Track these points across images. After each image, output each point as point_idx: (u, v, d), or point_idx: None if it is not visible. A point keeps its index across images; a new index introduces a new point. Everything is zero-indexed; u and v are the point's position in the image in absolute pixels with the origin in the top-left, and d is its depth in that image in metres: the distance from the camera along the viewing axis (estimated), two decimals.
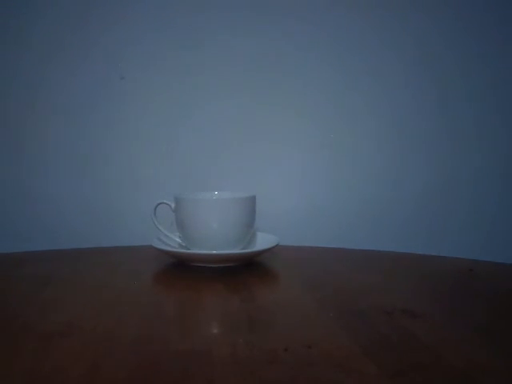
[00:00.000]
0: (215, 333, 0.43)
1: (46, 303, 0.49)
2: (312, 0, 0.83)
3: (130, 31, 0.82)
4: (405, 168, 0.86)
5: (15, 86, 0.81)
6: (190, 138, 0.84)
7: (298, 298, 0.51)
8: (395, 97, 0.85)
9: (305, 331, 0.41)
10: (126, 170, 0.83)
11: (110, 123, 0.83)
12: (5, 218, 0.81)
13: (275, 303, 0.49)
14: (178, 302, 0.50)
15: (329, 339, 0.39)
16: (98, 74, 0.82)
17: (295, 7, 0.83)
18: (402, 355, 0.36)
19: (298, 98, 0.85)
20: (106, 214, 0.83)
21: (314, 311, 0.46)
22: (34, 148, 0.82)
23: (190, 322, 0.44)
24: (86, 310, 0.46)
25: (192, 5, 0.82)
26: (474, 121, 0.85)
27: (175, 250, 0.65)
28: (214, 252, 0.61)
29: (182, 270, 0.62)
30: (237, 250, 0.63)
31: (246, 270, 0.61)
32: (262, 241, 0.67)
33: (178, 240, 0.67)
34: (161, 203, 0.66)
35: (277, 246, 0.64)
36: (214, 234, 0.63)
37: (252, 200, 0.65)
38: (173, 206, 0.65)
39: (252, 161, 0.85)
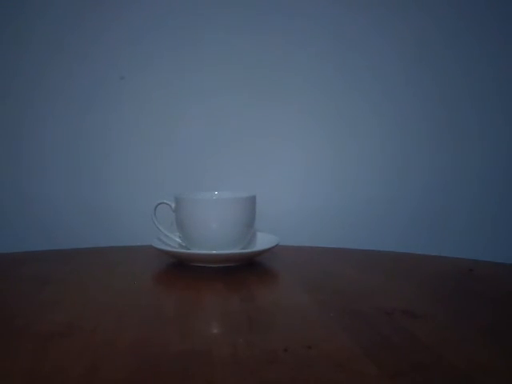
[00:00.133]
0: (215, 333, 0.43)
1: (46, 303, 0.49)
2: None
3: (130, 31, 0.82)
4: (406, 168, 0.85)
5: (14, 85, 0.81)
6: (189, 137, 0.84)
7: (298, 298, 0.51)
8: (397, 96, 0.85)
9: (305, 331, 0.41)
10: (125, 169, 0.83)
11: (109, 123, 0.83)
12: (4, 218, 0.81)
13: (275, 303, 0.49)
14: (177, 302, 0.50)
15: (329, 339, 0.39)
16: (97, 74, 0.82)
17: (296, 4, 0.83)
18: (403, 356, 0.35)
19: (298, 98, 0.85)
20: (106, 214, 0.83)
21: (315, 311, 0.46)
22: (33, 148, 0.82)
23: (190, 322, 0.44)
24: (85, 310, 0.46)
25: (191, 4, 0.82)
26: (476, 121, 0.85)
27: (175, 250, 0.65)
28: (214, 252, 0.61)
29: (182, 270, 0.62)
30: (237, 250, 0.63)
31: (245, 269, 0.61)
32: (262, 241, 0.67)
33: (178, 240, 0.67)
34: (161, 203, 0.66)
35: (277, 246, 0.64)
36: (213, 233, 0.63)
37: (252, 200, 0.65)
38: (173, 206, 0.65)
39: (252, 161, 0.85)
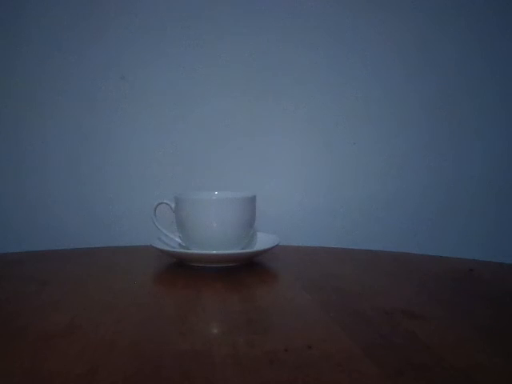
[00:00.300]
0: (215, 333, 0.43)
1: (46, 303, 0.49)
2: None
3: (130, 31, 0.82)
4: (406, 168, 0.86)
5: (14, 85, 0.81)
6: (189, 137, 0.84)
7: (298, 298, 0.51)
8: (397, 96, 0.85)
9: (305, 331, 0.41)
10: (125, 170, 0.83)
11: (109, 123, 0.83)
12: (3, 218, 0.81)
13: (275, 303, 0.49)
14: (177, 302, 0.50)
15: (329, 339, 0.39)
16: (97, 74, 0.82)
17: (295, 6, 0.83)
18: (403, 356, 0.35)
19: (298, 98, 0.85)
20: (106, 213, 0.83)
21: (315, 311, 0.46)
22: (33, 148, 0.82)
23: (190, 322, 0.44)
24: (85, 311, 0.46)
25: (191, 4, 0.82)
26: (476, 121, 0.85)
27: (175, 250, 0.65)
28: (214, 252, 0.61)
29: (182, 270, 0.62)
30: (237, 250, 0.63)
31: (245, 270, 0.61)
32: (262, 241, 0.67)
33: (178, 240, 0.67)
34: (161, 203, 0.66)
35: (277, 246, 0.64)
36: (213, 233, 0.63)
37: (252, 200, 0.65)
38: (173, 206, 0.65)
39: (252, 161, 0.85)
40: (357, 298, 0.50)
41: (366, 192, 0.85)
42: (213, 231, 0.63)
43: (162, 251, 0.63)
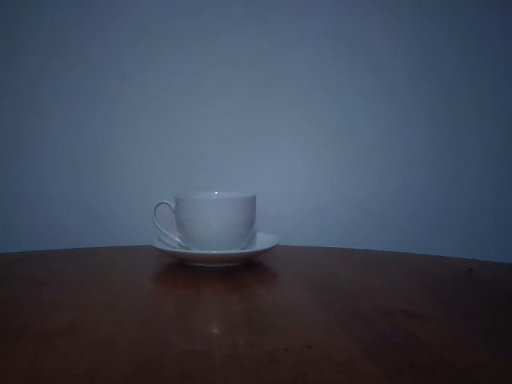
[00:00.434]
0: (215, 333, 0.43)
1: (46, 303, 0.49)
2: None
3: (130, 31, 0.82)
4: (406, 168, 0.86)
5: (14, 85, 0.81)
6: (190, 137, 0.84)
7: (298, 298, 0.51)
8: (397, 96, 0.85)
9: (305, 331, 0.41)
10: (125, 169, 0.83)
11: (109, 123, 0.83)
12: (3, 218, 0.81)
13: (275, 303, 0.49)
14: (178, 302, 0.50)
15: (329, 339, 0.39)
16: (97, 74, 0.82)
17: (297, 6, 0.83)
18: (403, 356, 0.35)
19: (298, 98, 0.85)
20: (106, 213, 0.83)
21: (315, 311, 0.46)
22: (33, 148, 0.82)
23: (190, 322, 0.44)
24: (85, 311, 0.46)
25: (191, 4, 0.82)
26: (476, 121, 0.85)
27: (175, 250, 0.65)
28: (214, 252, 0.61)
29: (182, 270, 0.62)
30: (237, 250, 0.63)
31: (245, 270, 0.61)
32: (262, 241, 0.67)
33: (177, 240, 0.67)
34: (161, 203, 0.66)
35: (277, 246, 0.64)
36: (213, 233, 0.63)
37: (252, 200, 0.65)
38: (173, 206, 0.65)
39: (252, 160, 0.85)
40: (357, 298, 0.50)
41: (366, 192, 0.85)
42: (213, 231, 0.63)
43: (161, 251, 0.63)
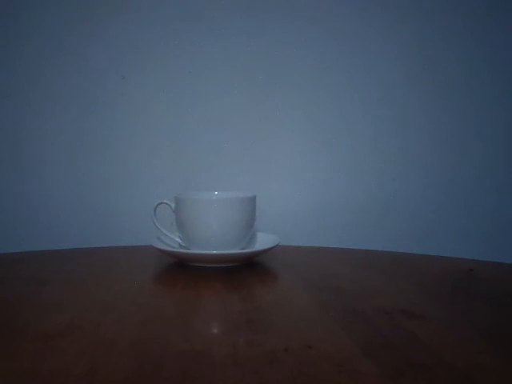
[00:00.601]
0: (215, 333, 0.43)
1: (46, 303, 0.49)
2: None
3: (130, 31, 0.82)
4: (405, 168, 0.86)
5: (14, 85, 0.81)
6: (189, 137, 0.84)
7: (298, 298, 0.51)
8: (397, 96, 0.85)
9: (305, 331, 0.41)
10: (125, 169, 0.83)
11: (109, 123, 0.83)
12: (4, 218, 0.81)
13: (275, 303, 0.49)
14: (177, 302, 0.50)
15: (329, 339, 0.39)
16: (97, 74, 0.82)
17: (296, 7, 0.83)
18: (403, 356, 0.35)
19: (298, 98, 0.85)
20: (106, 213, 0.83)
21: (314, 311, 0.46)
22: (33, 148, 0.82)
23: (190, 322, 0.44)
24: (85, 311, 0.46)
25: (191, 4, 0.82)
26: (475, 121, 0.85)
27: (175, 250, 0.65)
28: (214, 252, 0.61)
29: (182, 270, 0.62)
30: (237, 250, 0.63)
31: (245, 269, 0.61)
32: (262, 241, 0.67)
33: (178, 240, 0.67)
34: (161, 203, 0.66)
35: (277, 246, 0.64)
36: (213, 234, 0.63)
37: (252, 200, 0.65)
38: (173, 206, 0.65)
39: (252, 161, 0.85)
40: (357, 297, 0.50)
41: (366, 192, 0.85)
42: (213, 231, 0.63)
43: (161, 251, 0.63)
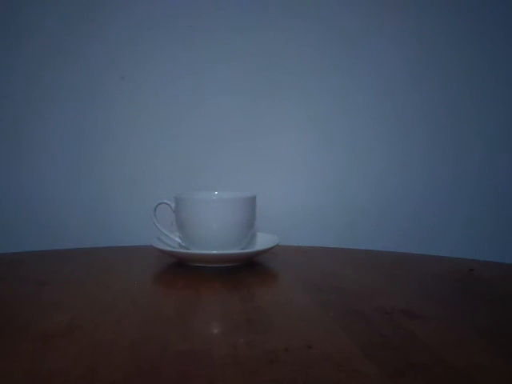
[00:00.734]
0: (215, 333, 0.43)
1: (46, 303, 0.49)
2: None
3: (130, 31, 0.82)
4: (405, 168, 0.85)
5: (14, 85, 0.81)
6: (189, 137, 0.84)
7: (298, 298, 0.51)
8: (398, 96, 0.85)
9: (305, 331, 0.41)
10: (125, 169, 0.83)
11: (109, 123, 0.83)
12: (4, 218, 0.81)
13: (275, 303, 0.49)
14: (177, 302, 0.50)
15: (329, 339, 0.39)
16: (97, 74, 0.82)
17: (296, 5, 0.83)
18: (403, 356, 0.35)
19: (298, 98, 0.85)
20: (105, 213, 0.83)
21: (315, 311, 0.46)
22: (33, 148, 0.82)
23: (190, 322, 0.44)
24: (85, 311, 0.46)
25: (191, 4, 0.82)
26: (476, 120, 0.85)
27: (175, 250, 0.65)
28: (214, 252, 0.61)
29: (182, 270, 0.62)
30: (237, 250, 0.63)
31: (245, 269, 0.61)
32: (262, 241, 0.67)
33: (177, 240, 0.67)
34: (161, 203, 0.66)
35: (277, 246, 0.64)
36: (213, 234, 0.63)
37: (252, 200, 0.65)
38: (173, 206, 0.65)
39: (252, 160, 0.85)
40: (357, 297, 0.50)
41: (366, 192, 0.85)
42: (213, 231, 0.63)
43: (161, 251, 0.63)
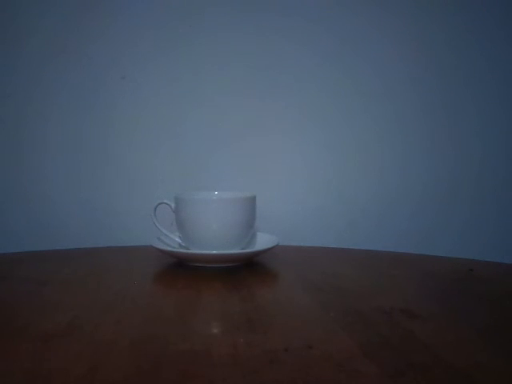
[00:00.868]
0: (215, 333, 0.43)
1: (46, 304, 0.49)
2: None
3: (130, 31, 0.82)
4: (405, 168, 0.86)
5: (14, 85, 0.81)
6: (189, 137, 0.84)
7: (298, 298, 0.51)
8: (398, 96, 0.85)
9: (305, 331, 0.41)
10: (125, 169, 0.83)
11: (109, 123, 0.83)
12: (4, 218, 0.81)
13: (275, 303, 0.49)
14: (177, 302, 0.50)
15: (329, 339, 0.39)
16: (97, 74, 0.82)
17: (296, 5, 0.83)
18: (403, 356, 0.35)
19: (298, 98, 0.85)
20: (106, 213, 0.83)
21: (315, 311, 0.46)
22: (33, 148, 0.82)
23: (190, 322, 0.44)
24: (85, 311, 0.46)
25: (191, 4, 0.82)
26: (476, 120, 0.85)
27: (175, 250, 0.65)
28: (214, 252, 0.61)
29: (182, 270, 0.62)
30: (237, 250, 0.63)
31: (245, 269, 0.61)
32: (262, 241, 0.67)
33: (177, 240, 0.67)
34: (161, 203, 0.66)
35: (277, 246, 0.64)
36: (213, 234, 0.63)
37: (252, 200, 0.65)
38: (173, 206, 0.65)
39: (252, 160, 0.85)
40: (357, 297, 0.50)
41: (366, 192, 0.85)
42: (213, 231, 0.63)
43: (161, 251, 0.63)
